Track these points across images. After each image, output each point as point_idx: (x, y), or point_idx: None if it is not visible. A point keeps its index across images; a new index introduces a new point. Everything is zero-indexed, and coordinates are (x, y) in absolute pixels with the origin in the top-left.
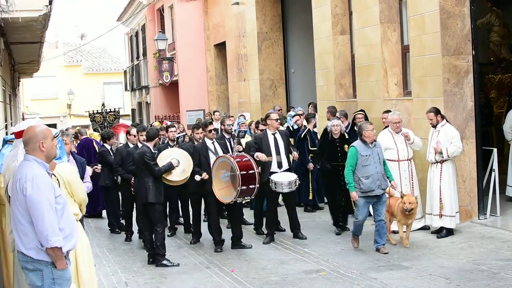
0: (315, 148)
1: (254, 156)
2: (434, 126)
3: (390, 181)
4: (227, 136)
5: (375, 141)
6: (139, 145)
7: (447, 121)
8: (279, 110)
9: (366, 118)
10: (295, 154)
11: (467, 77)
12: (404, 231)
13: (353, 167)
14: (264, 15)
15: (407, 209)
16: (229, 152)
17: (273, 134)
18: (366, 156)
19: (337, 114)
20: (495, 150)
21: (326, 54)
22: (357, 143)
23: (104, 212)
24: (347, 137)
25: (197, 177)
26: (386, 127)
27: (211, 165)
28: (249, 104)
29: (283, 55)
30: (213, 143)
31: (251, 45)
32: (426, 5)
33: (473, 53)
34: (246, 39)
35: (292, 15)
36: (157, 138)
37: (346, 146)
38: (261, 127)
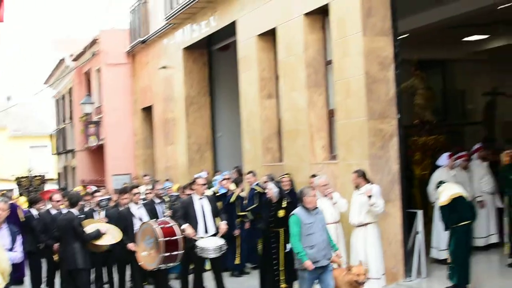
0: (244, 213)
1: (181, 228)
2: (357, 188)
3: (334, 251)
4: (158, 200)
5: (317, 207)
6: (63, 210)
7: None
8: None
9: (291, 182)
10: (222, 227)
11: (392, 140)
12: None
13: (299, 236)
14: (191, 79)
15: (361, 281)
16: (157, 217)
17: (200, 199)
18: (310, 224)
19: (264, 178)
20: (419, 212)
21: (253, 118)
22: (298, 211)
23: (26, 280)
24: (284, 204)
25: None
26: None
27: (136, 232)
28: (176, 168)
29: (210, 119)
30: (139, 208)
31: (178, 109)
32: (352, 70)
33: (398, 117)
34: (173, 103)
35: (219, 79)
36: (82, 203)
37: (280, 211)
38: (187, 191)
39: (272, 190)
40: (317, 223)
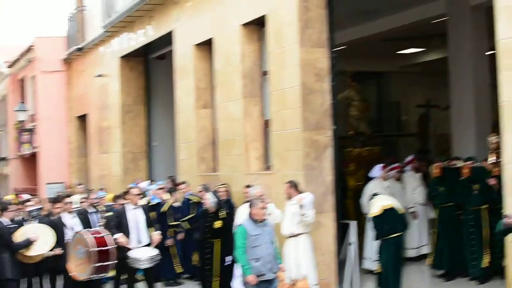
0: (177, 223)
1: (114, 238)
2: (289, 198)
3: (278, 264)
4: (92, 210)
5: (265, 219)
6: None
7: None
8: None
9: (228, 192)
10: (155, 237)
11: (327, 151)
12: None
13: (244, 248)
14: (127, 87)
15: None
16: (91, 227)
17: (134, 209)
18: (256, 236)
19: (199, 188)
20: (352, 223)
21: (189, 128)
22: (245, 222)
23: None
24: (221, 214)
25: (50, 252)
26: (247, 201)
27: (69, 242)
28: (111, 177)
29: (145, 128)
30: (73, 217)
31: (114, 117)
32: (288, 81)
33: (333, 128)
34: (109, 111)
35: (156, 88)
36: (13, 212)
37: (217, 222)
38: (120, 201)
39: (209, 201)
40: (264, 236)
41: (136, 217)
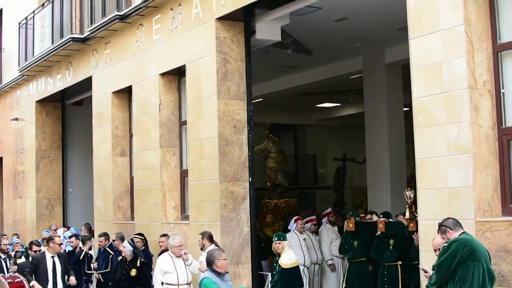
0: (91, 272)
1: (30, 285)
2: (203, 249)
3: None
4: (3, 256)
5: (227, 272)
6: None
7: (216, 245)
8: (55, 230)
9: (145, 242)
10: (72, 280)
11: (244, 203)
12: None
13: None
14: (43, 132)
15: None
16: (3, 272)
17: (52, 257)
18: None
19: (114, 237)
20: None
21: (105, 175)
22: (210, 275)
23: None
24: (138, 263)
25: None
26: (164, 250)
27: None
28: (25, 223)
29: (61, 173)
30: None
31: (29, 162)
32: (206, 132)
33: (250, 180)
34: (24, 155)
35: (73, 134)
36: None
37: (133, 270)
38: (34, 248)
39: (126, 249)
40: None
41: (54, 265)
